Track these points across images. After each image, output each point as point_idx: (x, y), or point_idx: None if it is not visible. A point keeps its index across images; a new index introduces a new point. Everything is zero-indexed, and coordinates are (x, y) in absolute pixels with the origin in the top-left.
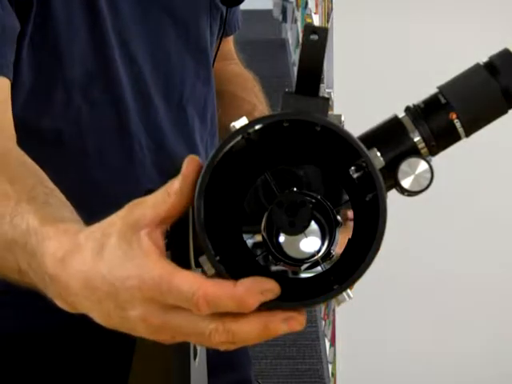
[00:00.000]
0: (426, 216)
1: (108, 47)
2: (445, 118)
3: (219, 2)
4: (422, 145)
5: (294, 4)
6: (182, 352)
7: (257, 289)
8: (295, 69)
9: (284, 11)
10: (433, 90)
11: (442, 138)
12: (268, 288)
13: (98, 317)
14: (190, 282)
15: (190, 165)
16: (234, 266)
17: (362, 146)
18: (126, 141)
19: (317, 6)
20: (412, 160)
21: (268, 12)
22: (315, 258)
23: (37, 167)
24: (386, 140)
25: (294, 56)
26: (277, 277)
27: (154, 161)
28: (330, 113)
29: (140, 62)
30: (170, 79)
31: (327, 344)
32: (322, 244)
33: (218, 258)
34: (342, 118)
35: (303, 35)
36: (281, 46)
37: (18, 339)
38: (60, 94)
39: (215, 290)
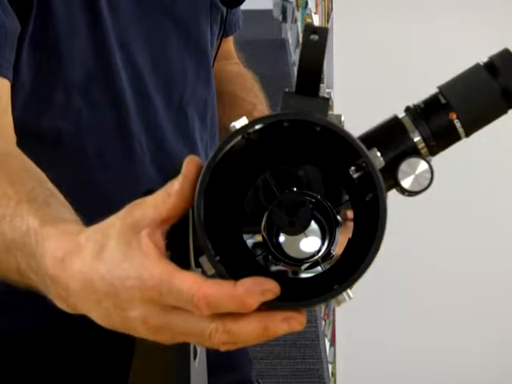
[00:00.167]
0: (426, 216)
1: (108, 48)
2: (445, 118)
3: (219, 3)
4: (421, 145)
5: (294, 4)
6: (182, 352)
7: (257, 289)
8: (295, 69)
9: (284, 11)
10: (433, 90)
11: (441, 138)
12: (268, 288)
13: (97, 317)
14: (190, 283)
15: (189, 165)
16: (234, 266)
17: (362, 146)
18: (126, 141)
19: (317, 5)
20: (412, 160)
21: (268, 12)
22: (315, 258)
23: (37, 169)
24: (386, 140)
25: (294, 56)
26: (277, 277)
27: (154, 161)
28: (330, 113)
29: (140, 63)
30: (170, 80)
31: (327, 344)
32: (322, 244)
33: (218, 258)
34: (342, 118)
35: (303, 35)
36: (281, 46)
37: (17, 339)
38: (60, 95)
39: (215, 291)
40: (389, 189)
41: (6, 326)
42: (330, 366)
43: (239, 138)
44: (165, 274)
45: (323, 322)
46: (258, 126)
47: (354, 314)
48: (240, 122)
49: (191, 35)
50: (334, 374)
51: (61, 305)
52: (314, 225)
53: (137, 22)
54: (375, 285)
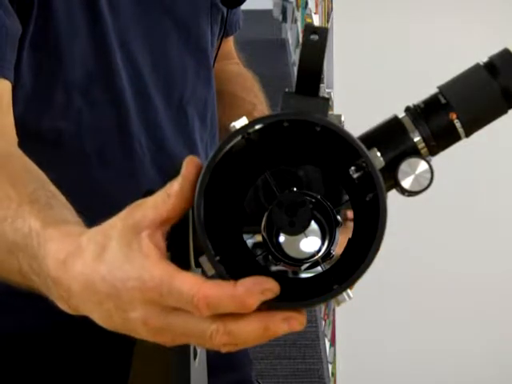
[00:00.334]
0: (426, 216)
1: (108, 48)
2: (445, 118)
3: (220, 3)
4: (422, 145)
5: (294, 4)
6: (182, 352)
7: (257, 289)
8: (295, 69)
9: (284, 11)
10: (433, 90)
11: (441, 138)
12: (268, 287)
13: (99, 319)
14: (190, 284)
15: (189, 165)
16: (234, 266)
17: (362, 146)
18: (126, 141)
19: (317, 5)
20: (412, 160)
21: (268, 12)
22: (315, 258)
23: (39, 170)
24: (386, 140)
25: (294, 56)
26: (277, 277)
27: (154, 161)
28: (330, 113)
29: (140, 63)
30: (170, 80)
31: (327, 344)
32: (322, 244)
33: (218, 258)
34: (342, 118)
35: (303, 35)
36: (281, 46)
37: (17, 340)
38: (60, 95)
39: (215, 292)
40: (389, 189)
41: (7, 326)
42: (329, 366)
43: (239, 138)
44: (165, 275)
45: (323, 322)
46: (258, 126)
47: (354, 314)
48: (240, 122)
49: (191, 35)
50: (333, 374)
51: (63, 306)
52: (313, 225)
53: (137, 22)
54: (375, 285)
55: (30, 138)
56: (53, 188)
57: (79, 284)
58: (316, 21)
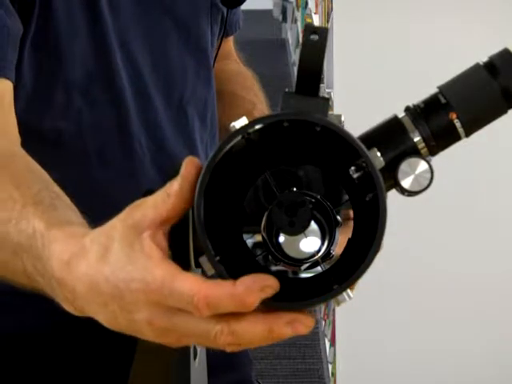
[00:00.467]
0: (426, 216)
1: (109, 48)
2: (445, 118)
3: (220, 3)
4: (422, 145)
5: (294, 4)
6: (182, 352)
7: (256, 286)
8: (295, 69)
9: (284, 11)
10: (433, 90)
11: (441, 138)
12: (267, 284)
13: (104, 320)
14: (190, 285)
15: (188, 166)
16: (234, 266)
17: (362, 146)
18: (126, 141)
19: (317, 5)
20: (412, 160)
21: (268, 12)
22: (315, 258)
23: (42, 170)
24: (386, 140)
25: (294, 56)
26: (277, 277)
27: (154, 161)
28: (330, 113)
29: (140, 63)
30: (170, 80)
31: (327, 344)
32: (322, 244)
33: (217, 258)
34: (342, 118)
35: (303, 35)
36: (281, 46)
37: (17, 340)
38: (60, 95)
39: (215, 291)
40: (389, 189)
41: (7, 326)
42: (329, 366)
43: (239, 138)
44: (166, 275)
45: (323, 322)
46: (258, 126)
47: (354, 314)
48: (240, 122)
49: (191, 35)
50: (333, 374)
51: (68, 307)
52: (313, 225)
53: (137, 22)
54: (375, 285)
55: (30, 138)
56: (56, 188)
57: (84, 285)
58: (316, 21)
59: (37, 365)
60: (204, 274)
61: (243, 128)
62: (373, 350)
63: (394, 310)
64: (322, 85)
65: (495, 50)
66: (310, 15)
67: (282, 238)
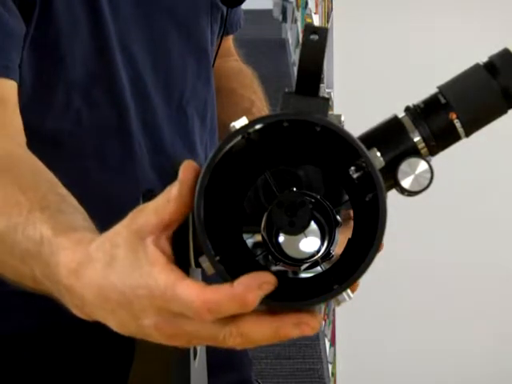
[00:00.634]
0: (426, 216)
1: (109, 48)
2: (445, 118)
3: (220, 2)
4: (421, 145)
5: (294, 4)
6: (181, 352)
7: (255, 283)
8: (295, 69)
9: (284, 11)
10: (433, 90)
11: (441, 138)
12: (265, 280)
13: (114, 325)
14: (189, 291)
15: (186, 171)
16: (234, 266)
17: (362, 146)
18: (126, 141)
19: (317, 5)
20: (412, 160)
21: (268, 12)
22: (315, 258)
23: (48, 172)
24: (386, 140)
25: (294, 56)
26: (277, 277)
27: (153, 161)
28: (330, 113)
29: (140, 63)
30: (170, 80)
31: (327, 344)
32: (322, 244)
33: (217, 258)
34: (342, 118)
35: (303, 35)
36: (281, 46)
37: (17, 340)
38: (61, 95)
39: (214, 296)
40: (389, 189)
41: (7, 326)
42: (330, 366)
43: (239, 137)
44: (169, 282)
45: (323, 322)
46: (257, 126)
47: (354, 314)
48: (240, 122)
49: (191, 34)
50: (333, 374)
51: (77, 313)
52: (313, 225)
53: (137, 22)
54: (375, 285)
55: (30, 138)
56: (62, 190)
57: (92, 293)
58: (316, 21)
59: (37, 365)
60: (204, 274)
61: (243, 128)
62: (373, 350)
63: (394, 310)
64: (322, 85)
65: (495, 49)
66: (310, 15)
67: (281, 238)
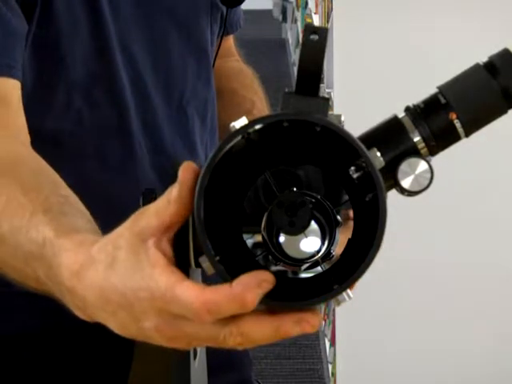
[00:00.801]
0: (426, 216)
1: (109, 48)
2: (445, 118)
3: (219, 2)
4: (421, 145)
5: (294, 4)
6: (181, 352)
7: (253, 282)
8: (295, 69)
9: (284, 11)
10: (433, 90)
11: (441, 138)
12: (263, 279)
13: (115, 327)
14: (188, 292)
15: (185, 171)
16: (234, 266)
17: (361, 146)
18: (126, 141)
19: (317, 5)
20: (412, 160)
21: (268, 12)
22: (315, 258)
23: (51, 172)
24: (386, 140)
25: (294, 56)
26: (277, 277)
27: (154, 161)
28: (330, 113)
29: (141, 63)
30: (170, 80)
31: (327, 344)
32: (322, 244)
33: (217, 258)
34: (342, 118)
35: (303, 35)
36: (281, 46)
37: (17, 340)
38: (61, 95)
39: (213, 297)
40: (389, 189)
41: (11, 326)
42: (329, 366)
43: (239, 137)
44: (168, 284)
45: (323, 322)
46: (257, 126)
47: (354, 314)
48: (240, 122)
49: (191, 34)
50: (333, 374)
51: (80, 314)
52: (313, 225)
53: (137, 22)
54: (375, 285)
55: (31, 138)
56: (66, 191)
57: (93, 294)
58: (316, 21)
59: (37, 365)
60: (204, 273)
61: (243, 128)
62: (373, 350)
63: (394, 310)
64: (322, 85)
65: (495, 49)
66: (310, 15)
67: (282, 238)
